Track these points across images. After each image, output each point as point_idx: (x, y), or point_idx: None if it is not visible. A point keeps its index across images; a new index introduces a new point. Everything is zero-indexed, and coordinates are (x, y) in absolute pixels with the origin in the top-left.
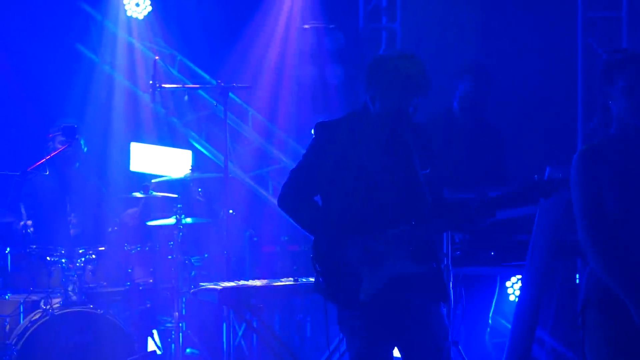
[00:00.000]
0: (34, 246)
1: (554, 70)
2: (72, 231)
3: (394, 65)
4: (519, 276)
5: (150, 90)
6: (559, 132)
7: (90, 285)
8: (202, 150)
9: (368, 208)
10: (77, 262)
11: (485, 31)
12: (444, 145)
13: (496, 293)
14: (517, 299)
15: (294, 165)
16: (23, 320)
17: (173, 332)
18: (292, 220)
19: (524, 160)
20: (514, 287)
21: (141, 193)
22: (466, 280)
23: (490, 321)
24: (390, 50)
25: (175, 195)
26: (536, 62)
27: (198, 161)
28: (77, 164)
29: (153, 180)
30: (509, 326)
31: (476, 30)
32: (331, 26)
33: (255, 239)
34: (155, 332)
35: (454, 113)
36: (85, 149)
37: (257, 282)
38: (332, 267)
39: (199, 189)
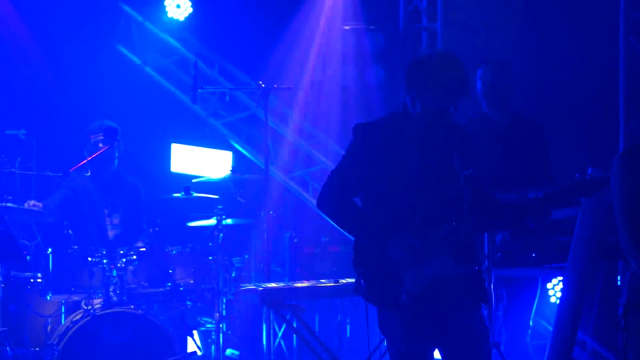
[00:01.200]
0: (76, 247)
1: (596, 70)
2: (111, 232)
3: (435, 65)
4: (560, 278)
5: (191, 91)
6: (601, 133)
7: (131, 285)
8: (243, 151)
9: (408, 209)
10: (118, 263)
11: (527, 31)
12: (482, 146)
13: (537, 295)
14: (558, 301)
15: (333, 167)
16: (64, 320)
17: (213, 333)
18: (331, 222)
19: (565, 161)
20: (555, 288)
21: (182, 194)
22: (507, 282)
23: (531, 323)
24: (430, 50)
25: (216, 197)
26: (578, 62)
27: (238, 162)
28: (116, 165)
29: (193, 181)
30: (550, 328)
31: (517, 30)
32: (371, 27)
33: (295, 240)
34: (195, 332)
35: (488, 113)
36: (123, 150)
37: (298, 283)
38: (373, 268)
39: (240, 190)
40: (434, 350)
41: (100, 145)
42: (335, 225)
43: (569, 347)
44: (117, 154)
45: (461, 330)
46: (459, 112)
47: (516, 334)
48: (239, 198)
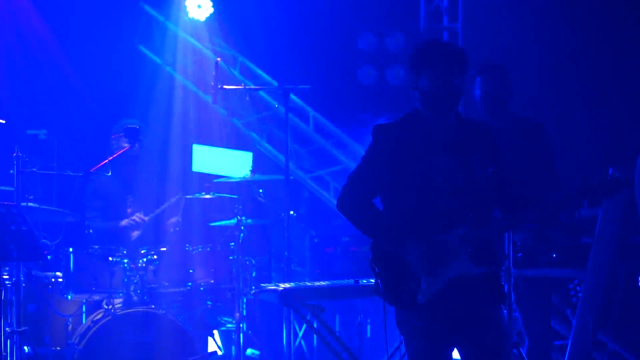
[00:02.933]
0: (96, 246)
1: (618, 70)
2: (135, 233)
3: (431, 44)
4: (581, 278)
5: (212, 91)
6: (622, 133)
7: (152, 285)
8: (263, 151)
9: (426, 209)
10: (139, 263)
11: (547, 30)
12: None
13: (558, 295)
14: (579, 302)
15: (354, 167)
16: (85, 320)
17: (234, 333)
18: (351, 223)
19: (587, 161)
20: (575, 289)
21: (203, 194)
22: (528, 282)
23: (551, 324)
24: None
25: (237, 196)
26: (600, 61)
27: (259, 162)
28: (138, 165)
29: (214, 181)
30: (571, 329)
31: (538, 29)
32: (392, 27)
33: (315, 240)
34: (216, 332)
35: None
36: (146, 150)
37: (318, 283)
38: (391, 269)
39: (260, 190)
40: (453, 350)
41: (124, 145)
42: (354, 226)
43: (589, 348)
44: (140, 155)
45: (479, 330)
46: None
47: (536, 334)
48: (259, 198)
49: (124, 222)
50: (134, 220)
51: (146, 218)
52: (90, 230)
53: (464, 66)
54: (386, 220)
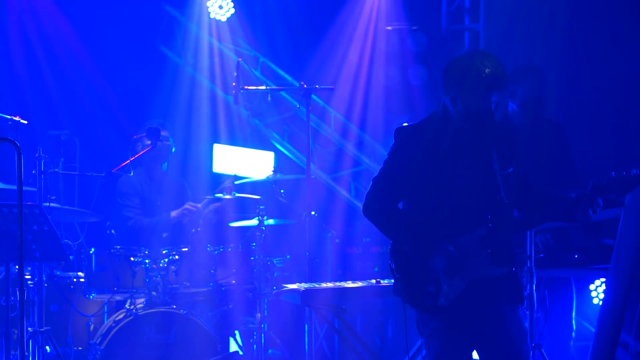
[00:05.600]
0: (118, 247)
1: (638, 73)
2: (164, 234)
3: (472, 63)
4: (603, 279)
5: (233, 92)
6: None
7: (174, 285)
8: (284, 151)
9: (449, 212)
10: (161, 263)
11: (568, 31)
12: None
13: (579, 296)
14: (601, 302)
15: (376, 169)
16: (107, 320)
17: (255, 333)
18: (377, 228)
19: (605, 163)
20: (598, 290)
21: (223, 194)
22: (549, 283)
23: (573, 324)
24: (466, 50)
25: (258, 197)
26: (620, 63)
27: (280, 162)
28: (165, 165)
29: (236, 182)
30: (593, 330)
31: (559, 30)
32: (414, 27)
33: (337, 240)
34: (237, 332)
35: (510, 118)
36: (174, 150)
37: (339, 284)
38: (411, 273)
39: (281, 190)
40: (472, 351)
41: (147, 143)
42: (381, 232)
43: (611, 349)
44: (167, 155)
45: (499, 331)
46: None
47: (558, 335)
48: (280, 198)
49: (174, 213)
50: (186, 209)
51: (199, 205)
52: (113, 231)
53: (502, 91)
54: (412, 225)
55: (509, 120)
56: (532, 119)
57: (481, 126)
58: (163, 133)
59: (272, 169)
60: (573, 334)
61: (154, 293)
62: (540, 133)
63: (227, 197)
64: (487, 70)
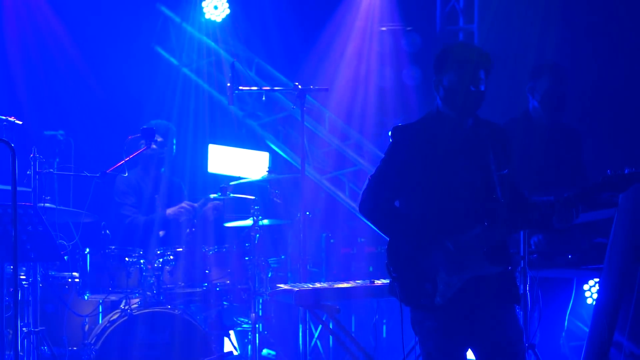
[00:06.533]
0: (113, 247)
1: (635, 72)
2: (162, 233)
3: (455, 48)
4: (597, 279)
5: (228, 92)
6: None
7: (168, 285)
8: (279, 152)
9: (445, 210)
10: (156, 263)
11: (563, 31)
12: (523, 147)
13: (573, 296)
14: (594, 302)
15: (371, 169)
16: (102, 320)
17: (250, 333)
18: (374, 227)
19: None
20: (591, 290)
21: (219, 195)
22: (543, 283)
23: (567, 324)
24: None
25: (253, 197)
26: (615, 62)
27: (275, 163)
28: (164, 167)
29: (231, 183)
30: (587, 330)
31: (554, 30)
32: (408, 28)
33: (331, 240)
34: (232, 332)
35: (531, 114)
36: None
37: (334, 284)
38: (408, 271)
39: (276, 191)
40: (467, 350)
41: (153, 145)
42: (377, 230)
43: (605, 349)
44: (169, 156)
45: (494, 330)
46: (498, 113)
47: (552, 335)
48: (275, 199)
49: (170, 211)
50: (182, 207)
51: (196, 205)
52: (107, 231)
53: (489, 69)
54: (409, 222)
55: (530, 117)
56: (554, 118)
57: (474, 125)
58: (158, 139)
59: (267, 169)
60: (563, 333)
61: (148, 293)
62: (560, 137)
63: (224, 197)
64: (468, 50)
